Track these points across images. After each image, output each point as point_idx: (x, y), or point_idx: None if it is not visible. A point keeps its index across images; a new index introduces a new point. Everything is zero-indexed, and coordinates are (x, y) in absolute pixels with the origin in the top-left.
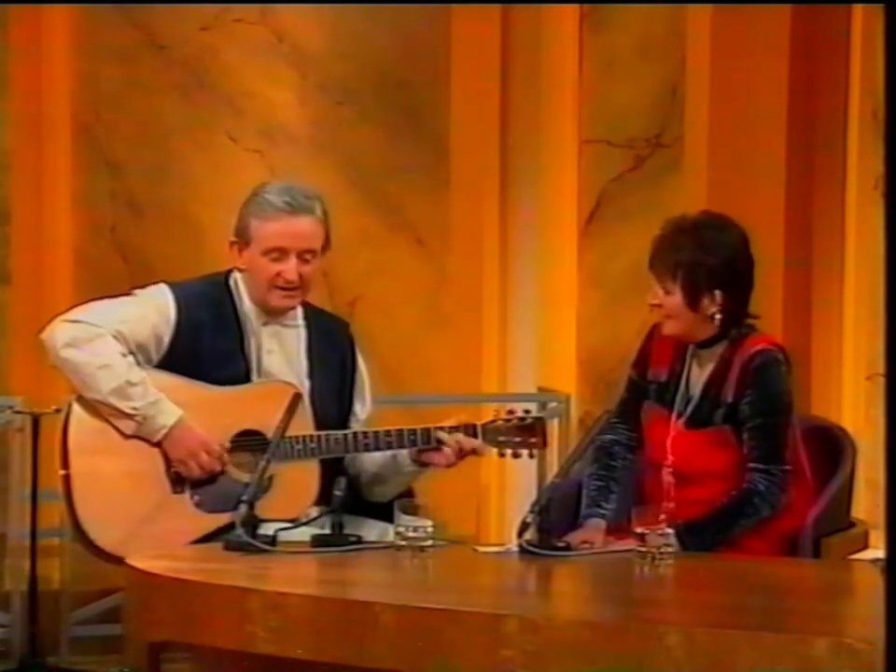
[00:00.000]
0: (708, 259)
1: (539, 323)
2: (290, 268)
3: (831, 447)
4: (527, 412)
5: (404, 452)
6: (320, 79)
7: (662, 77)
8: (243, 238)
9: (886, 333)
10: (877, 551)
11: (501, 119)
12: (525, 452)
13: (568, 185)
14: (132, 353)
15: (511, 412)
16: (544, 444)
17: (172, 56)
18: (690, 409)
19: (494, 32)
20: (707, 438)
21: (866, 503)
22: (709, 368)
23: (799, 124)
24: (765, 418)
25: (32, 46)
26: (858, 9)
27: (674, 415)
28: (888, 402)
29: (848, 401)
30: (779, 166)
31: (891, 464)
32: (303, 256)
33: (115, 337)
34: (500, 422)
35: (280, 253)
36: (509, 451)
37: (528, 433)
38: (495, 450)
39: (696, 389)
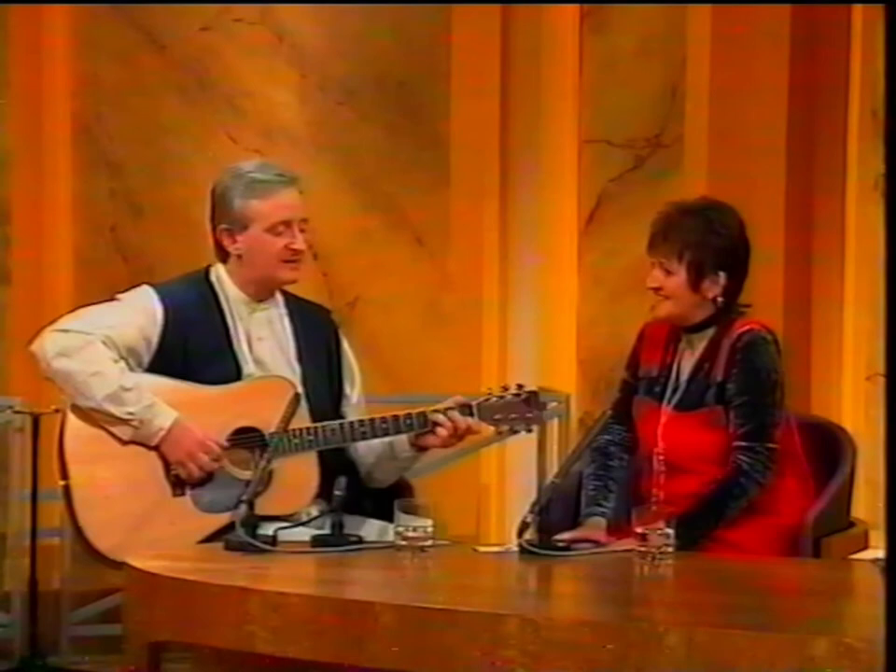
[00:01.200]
0: (716, 240)
1: (539, 323)
2: (297, 238)
3: (831, 447)
4: (521, 387)
5: (401, 437)
6: (320, 79)
7: (662, 77)
8: (238, 223)
9: (886, 333)
10: (877, 551)
11: (501, 119)
12: (521, 427)
13: (568, 185)
14: (123, 358)
15: (505, 388)
16: (539, 419)
17: (172, 56)
18: (679, 393)
19: (494, 32)
20: (697, 419)
21: (866, 503)
22: (699, 351)
23: (799, 124)
24: (751, 396)
25: (32, 46)
26: (858, 9)
27: (664, 403)
28: (888, 402)
29: (848, 401)
30: (779, 166)
31: (891, 464)
32: (301, 225)
33: (104, 343)
34: (495, 399)
35: (285, 226)
36: (505, 427)
37: (524, 409)
38: (492, 427)
39: (686, 374)
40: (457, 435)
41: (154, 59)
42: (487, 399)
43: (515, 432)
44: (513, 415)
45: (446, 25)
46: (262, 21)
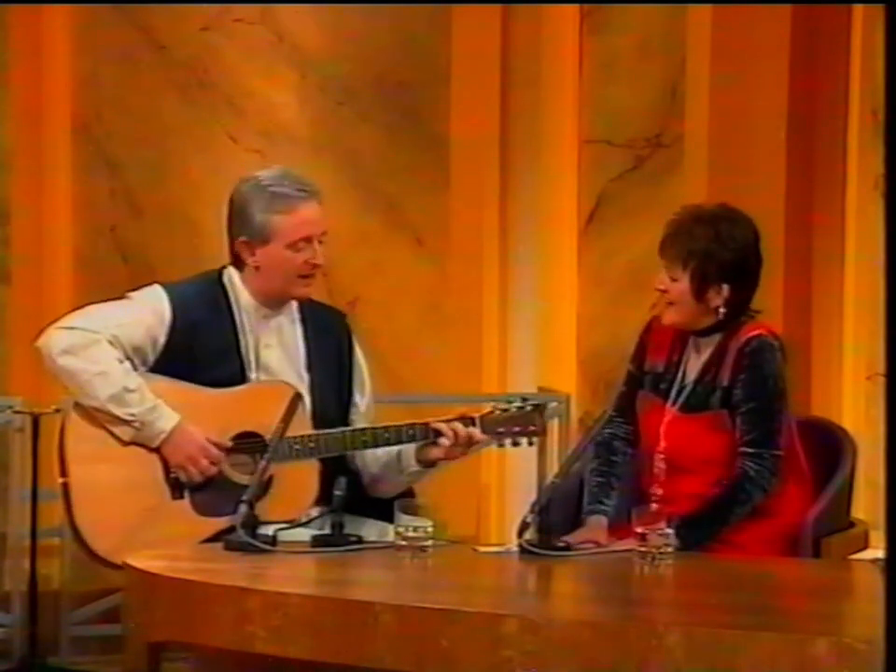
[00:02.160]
0: (722, 252)
1: (539, 323)
2: (317, 253)
3: (831, 447)
4: (525, 400)
5: (409, 452)
6: (320, 79)
7: (662, 77)
8: (260, 236)
9: (886, 333)
10: (877, 551)
11: (501, 119)
12: (524, 440)
13: (568, 185)
14: (128, 357)
15: (509, 401)
16: (543, 431)
17: (172, 56)
18: (685, 394)
19: (494, 32)
20: (702, 422)
21: (866, 503)
22: (706, 354)
23: (799, 124)
24: (757, 402)
25: (32, 46)
26: (858, 9)
27: (669, 402)
28: (888, 402)
29: (848, 401)
30: (779, 166)
31: (891, 464)
32: (320, 238)
33: (111, 342)
34: (498, 412)
35: (306, 242)
36: (508, 440)
37: (527, 422)
38: (495, 440)
39: (692, 376)
40: (459, 444)
41: (154, 59)
42: (490, 413)
43: (517, 444)
44: (517, 428)
45: (446, 25)
46: (262, 21)
